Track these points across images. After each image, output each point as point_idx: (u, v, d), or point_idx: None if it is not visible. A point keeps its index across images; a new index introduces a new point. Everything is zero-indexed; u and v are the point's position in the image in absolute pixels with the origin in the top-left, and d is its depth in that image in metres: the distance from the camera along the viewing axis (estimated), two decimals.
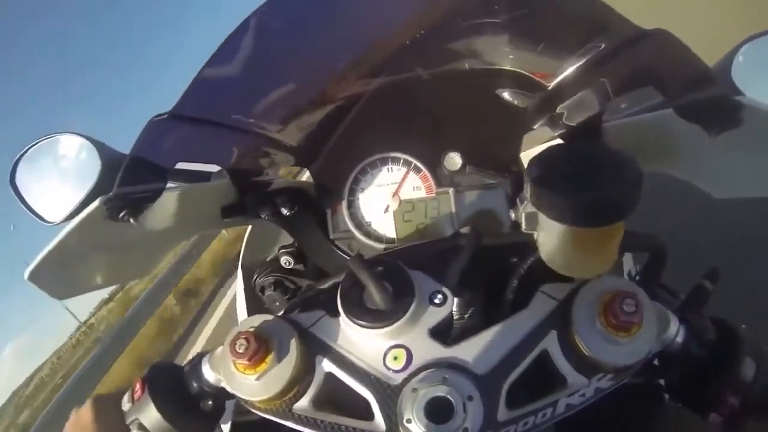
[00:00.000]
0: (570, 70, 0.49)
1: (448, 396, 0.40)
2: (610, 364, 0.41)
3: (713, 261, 0.54)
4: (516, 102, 0.60)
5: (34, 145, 0.46)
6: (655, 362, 0.48)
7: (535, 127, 0.65)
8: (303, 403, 0.45)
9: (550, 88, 0.53)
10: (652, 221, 0.53)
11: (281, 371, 0.43)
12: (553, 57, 0.49)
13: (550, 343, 0.43)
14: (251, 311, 0.78)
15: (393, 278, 0.46)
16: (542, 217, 0.41)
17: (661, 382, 0.52)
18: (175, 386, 0.49)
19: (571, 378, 0.42)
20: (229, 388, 0.45)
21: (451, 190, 0.66)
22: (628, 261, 0.72)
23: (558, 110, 0.55)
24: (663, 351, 0.45)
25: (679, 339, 0.45)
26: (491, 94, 0.60)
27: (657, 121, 0.57)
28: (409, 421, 0.40)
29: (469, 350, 0.43)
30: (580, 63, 0.48)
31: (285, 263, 0.72)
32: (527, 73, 0.52)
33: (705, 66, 0.44)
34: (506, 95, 0.60)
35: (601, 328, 0.41)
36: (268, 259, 0.76)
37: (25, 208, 0.46)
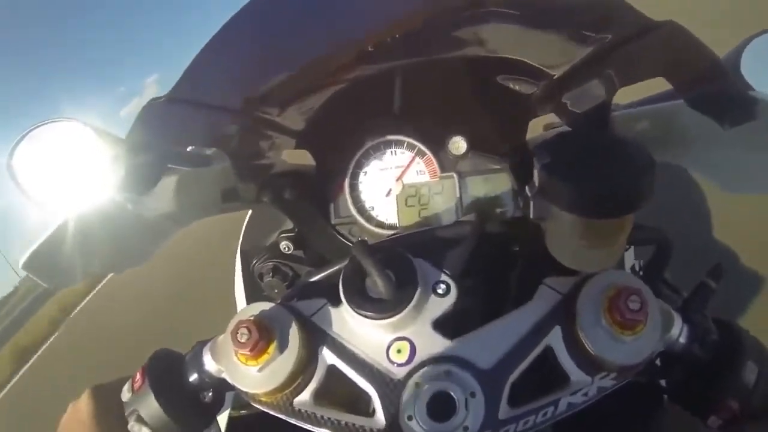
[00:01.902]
0: (577, 60, 0.48)
1: (451, 392, 0.40)
2: (614, 363, 0.40)
3: (716, 258, 0.52)
4: (520, 89, 0.59)
5: (32, 129, 0.45)
6: (657, 362, 0.47)
7: (540, 115, 0.64)
8: (304, 397, 0.44)
9: (556, 77, 0.52)
10: (653, 216, 0.53)
11: (283, 362, 0.43)
12: (561, 47, 0.48)
13: (555, 340, 0.42)
14: (250, 298, 0.78)
15: (396, 266, 0.45)
16: (551, 207, 0.40)
17: (662, 382, 0.51)
18: (175, 377, 0.48)
19: (574, 376, 0.41)
20: (230, 380, 0.44)
21: (455, 175, 0.65)
22: (629, 255, 0.71)
23: (564, 99, 0.54)
24: (665, 351, 0.44)
25: (682, 339, 0.44)
26: (497, 79, 0.59)
27: (667, 111, 0.56)
28: (410, 418, 0.40)
29: (472, 344, 0.43)
30: (588, 53, 0.47)
31: (284, 248, 0.71)
32: (534, 63, 0.51)
33: (717, 58, 0.43)
34: (511, 84, 0.59)
35: (606, 326, 0.40)
36: (267, 245, 0.75)
37: (22, 194, 0.45)
